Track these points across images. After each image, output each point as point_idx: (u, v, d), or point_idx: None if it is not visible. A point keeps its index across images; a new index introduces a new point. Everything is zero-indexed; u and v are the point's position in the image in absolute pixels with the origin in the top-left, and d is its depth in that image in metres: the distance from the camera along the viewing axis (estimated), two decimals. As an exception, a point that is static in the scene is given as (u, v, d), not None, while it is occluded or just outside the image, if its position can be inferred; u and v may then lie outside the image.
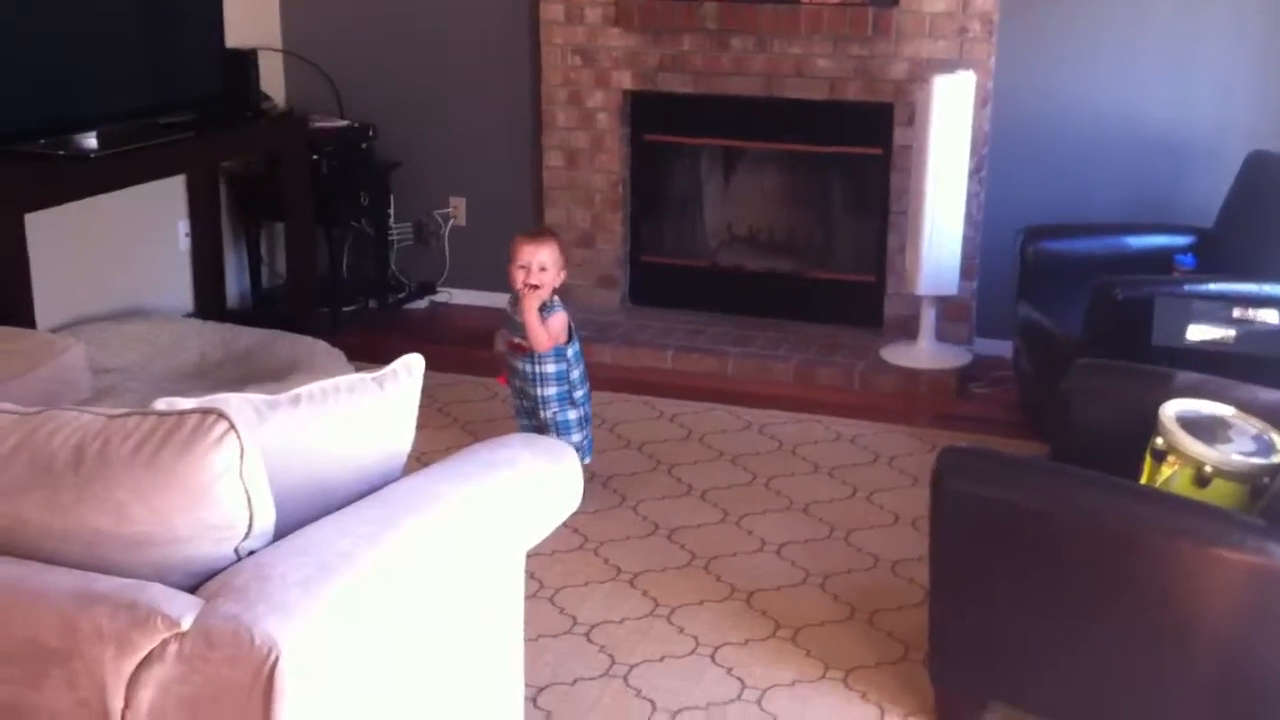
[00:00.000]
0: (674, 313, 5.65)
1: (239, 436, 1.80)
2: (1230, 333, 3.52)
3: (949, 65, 4.99)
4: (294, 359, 4.80)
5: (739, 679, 3.08)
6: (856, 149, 5.38)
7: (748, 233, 5.74)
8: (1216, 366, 3.37)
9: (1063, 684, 2.72)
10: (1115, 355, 3.63)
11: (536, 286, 3.76)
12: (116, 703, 1.74)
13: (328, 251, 5.71)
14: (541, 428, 3.87)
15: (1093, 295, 4.05)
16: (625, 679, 3.06)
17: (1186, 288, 3.96)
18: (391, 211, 5.94)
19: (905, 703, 2.98)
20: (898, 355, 5.13)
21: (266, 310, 5.72)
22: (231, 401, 2.03)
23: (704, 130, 5.55)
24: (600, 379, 4.88)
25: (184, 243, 5.52)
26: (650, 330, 5.45)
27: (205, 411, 1.81)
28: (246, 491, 1.83)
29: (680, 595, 3.46)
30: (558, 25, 5.51)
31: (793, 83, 5.26)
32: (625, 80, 5.48)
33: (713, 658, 3.18)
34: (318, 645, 1.75)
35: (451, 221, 5.99)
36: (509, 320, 3.89)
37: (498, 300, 5.85)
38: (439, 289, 6.04)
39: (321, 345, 4.92)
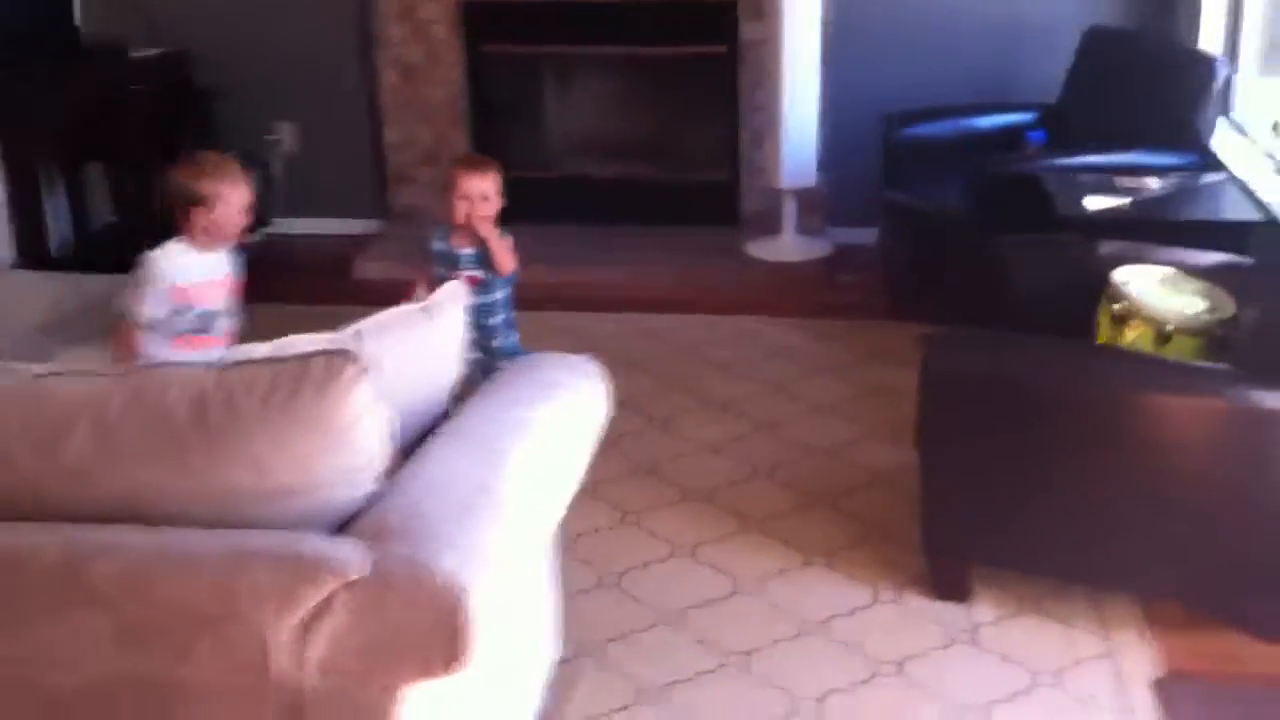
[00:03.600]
0: (527, 227, 5.48)
1: (369, 376, 1.72)
2: (1124, 201, 3.73)
3: (791, -41, 5.05)
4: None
5: (728, 574, 3.13)
6: (701, 47, 5.39)
7: (596, 140, 5.72)
8: (1107, 235, 3.57)
9: (1051, 542, 2.88)
10: (998, 230, 3.82)
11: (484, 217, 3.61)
12: (280, 663, 1.66)
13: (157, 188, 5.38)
14: (490, 358, 3.77)
15: (974, 175, 4.22)
16: (619, 587, 3.08)
17: (1065, 161, 4.17)
18: (219, 144, 5.64)
19: (893, 578, 3.10)
20: (762, 250, 5.23)
21: (94, 257, 5.36)
22: (319, 343, 1.95)
23: (545, 37, 5.46)
24: None
25: (-1, 190, 5.11)
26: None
27: (332, 353, 1.72)
28: (380, 431, 1.76)
29: (640, 501, 3.48)
30: (382, -68, 5.31)
31: (636, -16, 5.23)
32: (461, -11, 5.34)
33: (694, 557, 3.22)
34: (484, 579, 1.70)
35: (282, 149, 5.73)
36: (444, 256, 3.66)
37: (339, 227, 5.71)
38: (273, 220, 5.79)
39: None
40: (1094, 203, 3.70)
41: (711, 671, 2.76)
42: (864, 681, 2.75)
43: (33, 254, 5.15)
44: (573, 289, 5.07)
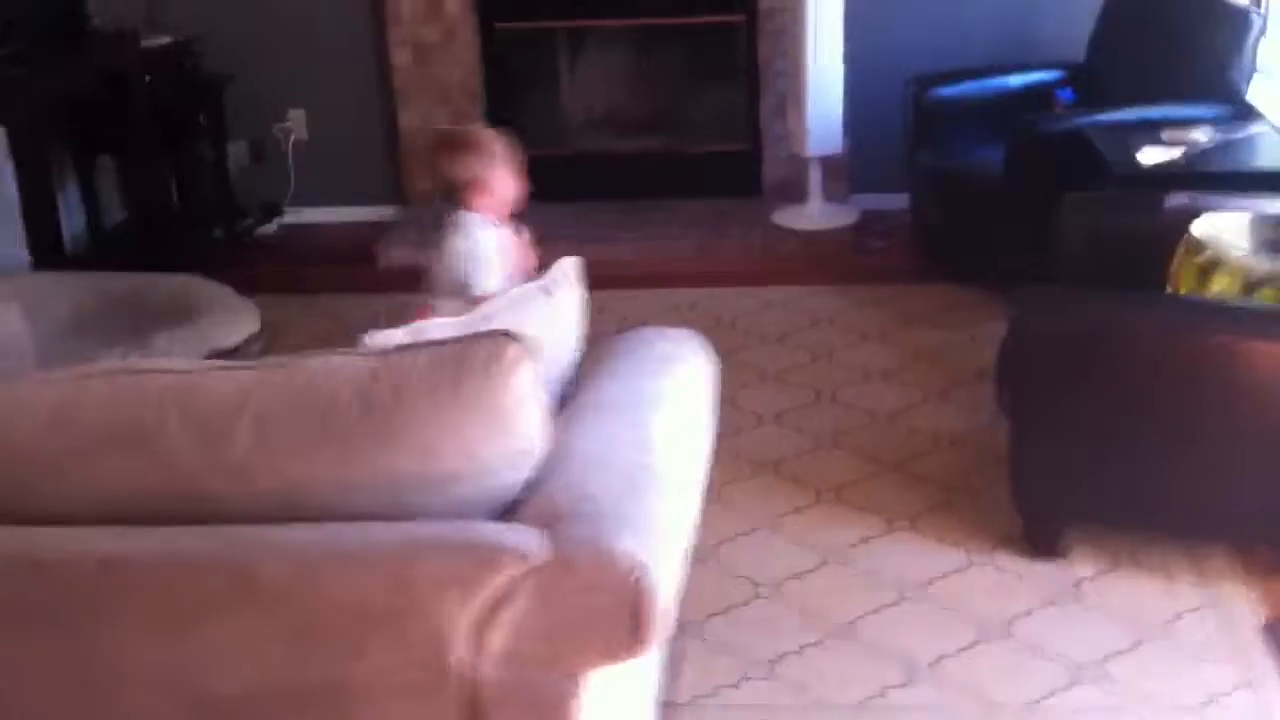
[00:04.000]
0: (548, 206, 5.45)
1: (531, 357, 1.67)
2: (1176, 154, 3.71)
3: (809, -76, 5.00)
4: (185, 300, 4.46)
5: (814, 545, 3.11)
6: (718, 17, 5.34)
7: (614, 115, 5.66)
8: (1164, 188, 3.55)
9: (1145, 494, 2.87)
10: (1044, 188, 3.81)
11: None
12: (459, 656, 1.61)
13: (170, 181, 5.30)
14: None
15: (1015, 134, 4.20)
16: (713, 561, 3.04)
17: (1105, 117, 4.14)
18: (230, 133, 5.55)
19: (982, 539, 3.08)
20: (789, 219, 5.18)
21: (110, 254, 5.27)
22: (448, 327, 1.90)
23: (559, 12, 5.39)
24: None
25: (11, 187, 5.00)
26: (533, 226, 5.31)
27: (493, 336, 1.67)
28: (542, 413, 1.71)
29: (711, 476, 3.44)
30: (395, -91, 5.22)
31: (654, -43, 5.16)
32: (476, -35, 5.25)
33: (777, 529, 3.19)
34: (662, 556, 1.67)
35: (293, 136, 5.64)
36: None
37: (352, 215, 5.63)
38: (286, 209, 5.70)
39: (204, 282, 4.60)
40: (1148, 156, 3.68)
41: (818, 643, 2.74)
42: (975, 644, 2.73)
43: (47, 253, 5.06)
44: (598, 266, 4.91)
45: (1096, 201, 3.42)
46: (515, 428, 1.67)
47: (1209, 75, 4.25)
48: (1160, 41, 4.46)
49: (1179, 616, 2.77)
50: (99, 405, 1.65)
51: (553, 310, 2.10)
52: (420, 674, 1.63)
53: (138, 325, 4.27)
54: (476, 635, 1.61)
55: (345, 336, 4.32)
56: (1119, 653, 2.67)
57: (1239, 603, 2.80)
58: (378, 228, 5.54)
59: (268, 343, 4.36)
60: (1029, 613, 2.82)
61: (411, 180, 5.54)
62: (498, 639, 1.61)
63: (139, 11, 5.30)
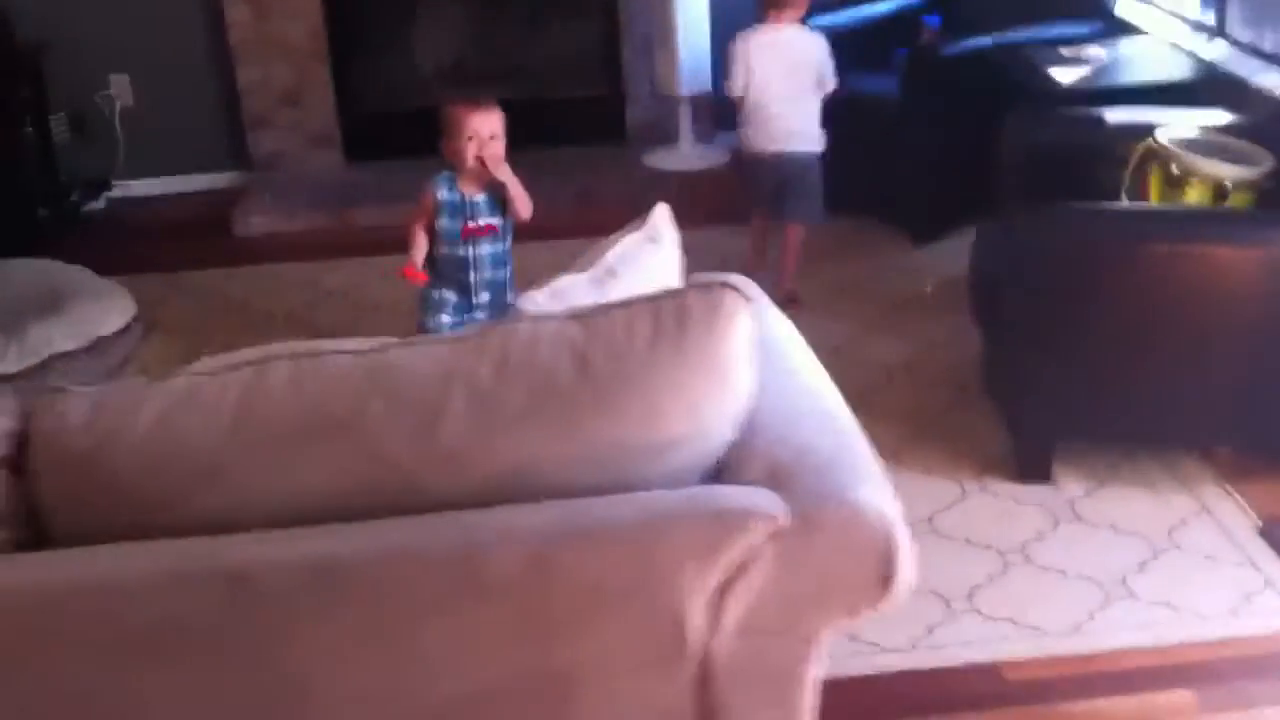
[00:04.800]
0: (403, 162, 5.24)
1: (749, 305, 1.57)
2: (1085, 71, 3.80)
3: None
4: (44, 287, 4.08)
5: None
6: (571, -43, 5.20)
7: (468, 65, 5.45)
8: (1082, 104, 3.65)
9: (1124, 409, 2.94)
10: (941, 114, 3.88)
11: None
12: (695, 630, 1.51)
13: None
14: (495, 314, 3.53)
15: (912, 60, 4.23)
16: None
17: (993, 39, 4.22)
18: (50, 104, 5.09)
19: (968, 467, 3.11)
20: (662, 161, 5.12)
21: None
22: (581, 284, 1.77)
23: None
24: (368, 247, 4.56)
25: None
26: (396, 184, 5.07)
27: (708, 285, 1.56)
28: (754, 366, 1.61)
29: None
30: None
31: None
32: (311, -94, 4.95)
33: (768, 472, 3.14)
34: (898, 507, 1.59)
35: (118, 103, 5.21)
36: (454, 206, 3.36)
37: (188, 184, 5.26)
38: (114, 183, 5.28)
39: (58, 266, 4.22)
40: (1062, 75, 3.76)
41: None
42: (1000, 572, 2.75)
43: None
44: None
45: (1035, 120, 3.46)
46: (735, 383, 1.56)
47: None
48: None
49: (1179, 526, 2.86)
50: (286, 396, 1.46)
51: (662, 259, 1.98)
52: (655, 650, 1.52)
53: (6, 317, 3.89)
54: (713, 608, 1.50)
55: (221, 315, 4.14)
56: (1139, 567, 2.74)
57: (1228, 508, 2.91)
58: (223, 196, 5.21)
59: (148, 326, 4.04)
60: (1039, 536, 2.86)
61: (254, 144, 5.21)
62: (735, 610, 1.51)
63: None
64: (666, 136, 5.19)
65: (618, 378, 1.50)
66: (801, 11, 4.03)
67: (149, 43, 5.12)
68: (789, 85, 3.92)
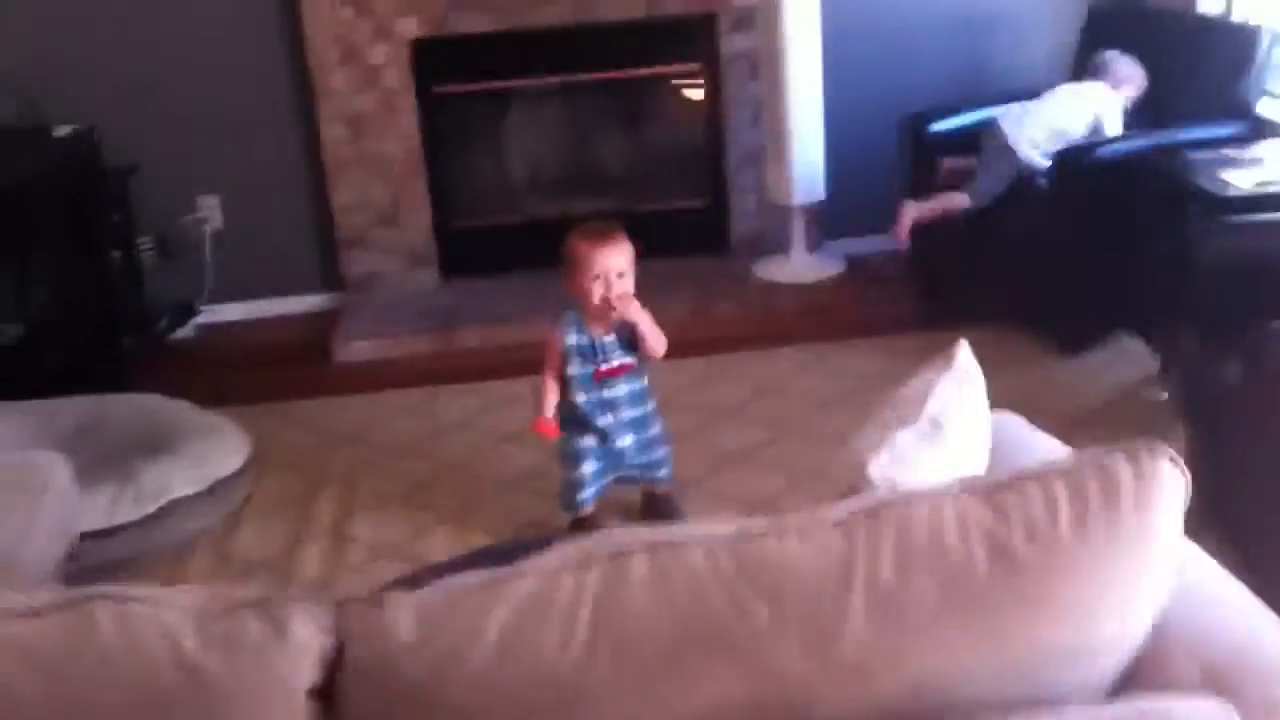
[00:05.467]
0: (500, 280, 5.08)
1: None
2: (1258, 173, 3.60)
3: (769, -36, 4.76)
4: (151, 423, 3.87)
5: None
6: (674, 66, 5.05)
7: (567, 177, 5.27)
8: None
9: None
10: (1085, 215, 3.70)
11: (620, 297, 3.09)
12: None
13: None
14: (647, 465, 3.30)
15: (1062, 165, 4.03)
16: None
17: (1138, 143, 4.03)
18: (138, 228, 4.91)
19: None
20: (773, 273, 4.91)
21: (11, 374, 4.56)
22: (910, 441, 1.53)
23: (501, 71, 4.98)
24: (477, 371, 4.35)
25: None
26: (497, 302, 4.88)
27: (1138, 453, 1.31)
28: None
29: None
30: (318, -27, 4.72)
31: (605, 4, 4.82)
32: (411, 27, 4.79)
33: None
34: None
35: (208, 226, 5.03)
36: (584, 350, 3.15)
37: (276, 308, 5.07)
38: (200, 308, 5.08)
39: (162, 400, 4.01)
40: (1237, 179, 3.55)
41: None
42: None
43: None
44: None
45: (1221, 228, 3.24)
46: (1164, 565, 1.31)
47: (1216, 95, 4.20)
48: (1154, 63, 4.37)
49: None
50: (650, 602, 1.22)
51: (975, 404, 1.74)
52: None
53: (106, 459, 3.65)
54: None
55: (334, 448, 3.91)
56: None
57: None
58: (316, 319, 5.01)
59: (259, 462, 3.81)
60: None
61: (348, 264, 5.02)
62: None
63: (14, 100, 4.63)
64: (773, 247, 5.00)
65: (1043, 567, 1.25)
66: None
67: (239, 163, 4.95)
68: None
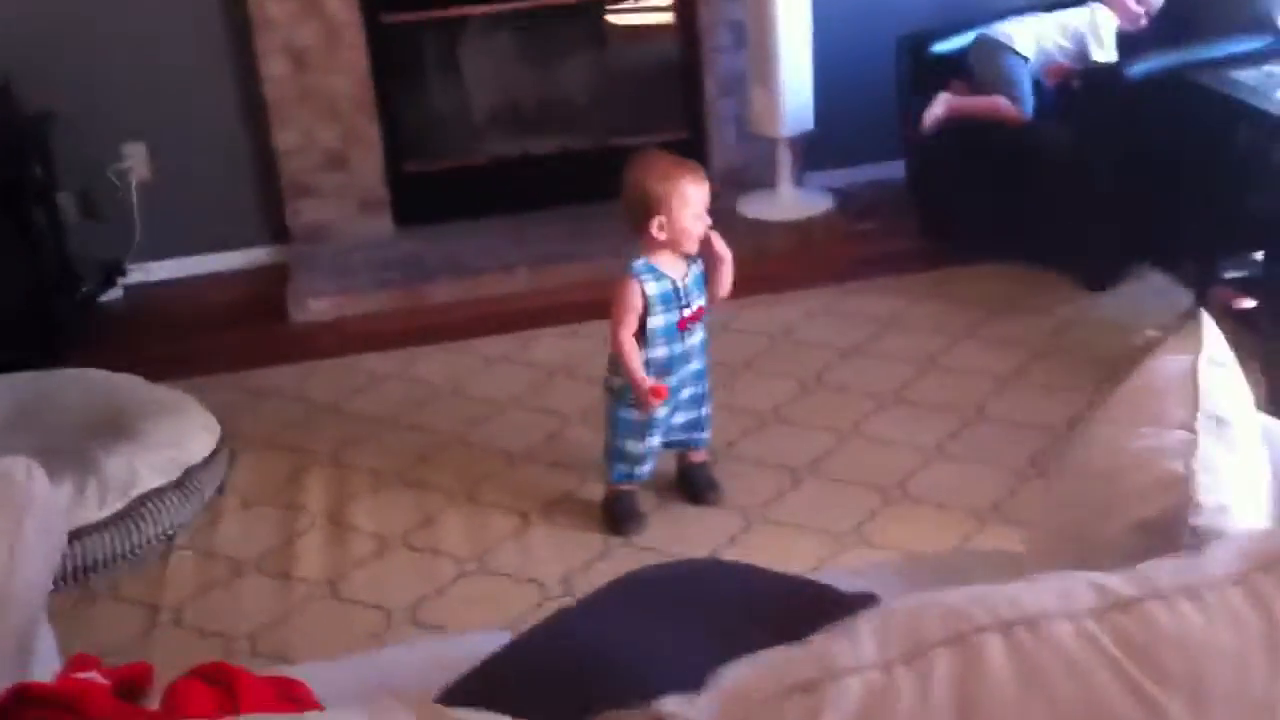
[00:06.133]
0: (461, 226, 4.68)
1: None
2: None
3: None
4: (103, 403, 3.46)
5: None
6: (644, -11, 4.66)
7: (532, 112, 4.86)
8: None
9: None
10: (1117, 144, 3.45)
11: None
12: None
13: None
14: (694, 424, 2.98)
15: (1090, 86, 3.76)
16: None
17: (1166, 60, 3.76)
18: (59, 180, 4.40)
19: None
20: (764, 211, 4.58)
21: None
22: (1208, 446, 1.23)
23: (457, -3, 4.55)
24: (455, 329, 3.99)
25: None
26: (462, 254, 4.48)
27: None
28: None
29: (935, 538, 2.83)
30: (252, -109, 4.22)
31: (571, -81, 4.41)
32: (357, -51, 4.33)
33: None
34: None
35: (134, 177, 4.54)
36: (666, 294, 2.79)
37: (215, 264, 4.63)
38: (129, 267, 4.59)
39: (109, 376, 3.60)
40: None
41: None
42: None
43: None
44: (559, 295, 4.24)
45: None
46: None
47: (1238, 7, 3.95)
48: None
49: None
50: (1018, 698, 0.91)
51: (1237, 387, 1.44)
52: None
53: (57, 448, 3.21)
54: None
55: (312, 424, 3.50)
56: None
57: None
58: (255, 276, 4.58)
59: (231, 450, 3.41)
60: None
61: (294, 213, 4.57)
62: None
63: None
64: (757, 182, 4.66)
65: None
66: None
67: (168, 106, 4.46)
68: None
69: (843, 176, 4.80)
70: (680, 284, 2.78)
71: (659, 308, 2.76)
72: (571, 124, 4.83)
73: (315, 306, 4.22)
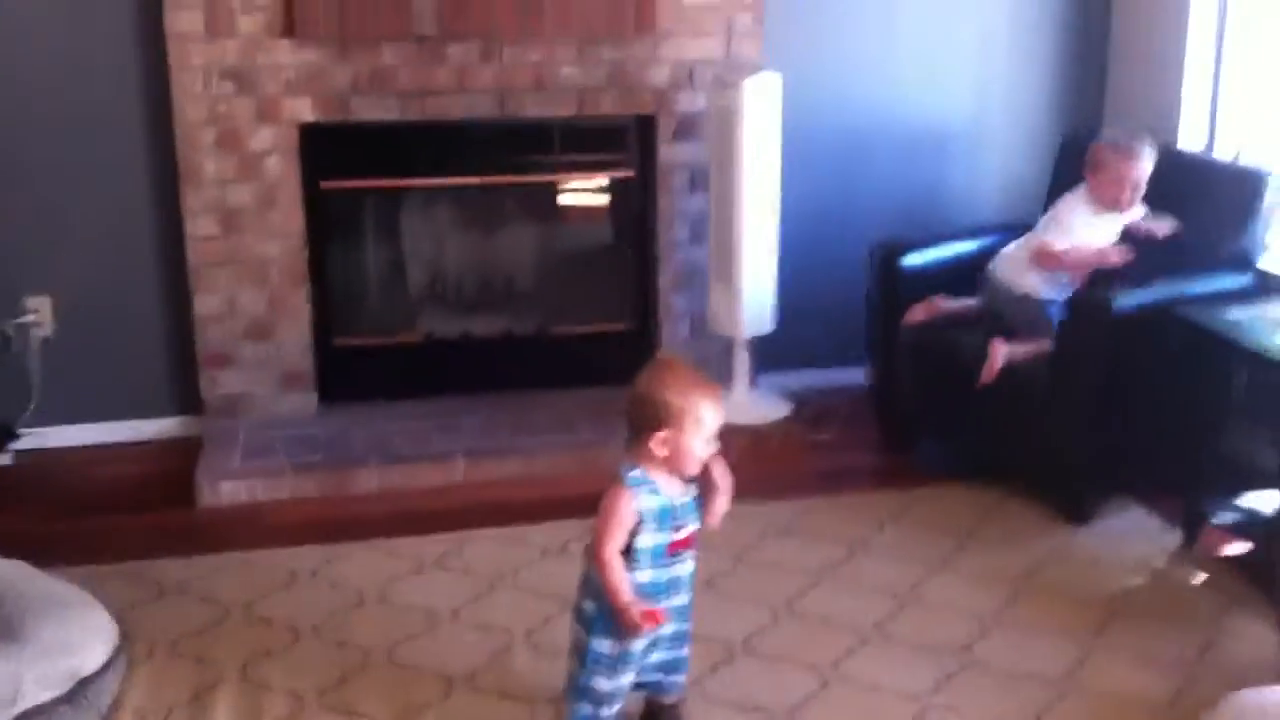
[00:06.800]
0: (390, 408, 4.36)
1: None
2: None
3: (718, 67, 4.25)
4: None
5: None
6: (600, 174, 4.47)
7: (474, 292, 4.57)
8: None
9: None
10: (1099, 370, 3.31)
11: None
12: None
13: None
14: (668, 665, 2.65)
15: (1078, 314, 3.59)
16: None
17: (1164, 292, 3.63)
18: (-49, 331, 4.00)
19: None
20: (716, 412, 4.31)
21: None
22: None
23: (403, 168, 4.30)
24: (382, 524, 3.64)
25: None
26: (391, 438, 4.14)
27: None
28: None
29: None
30: (196, 40, 3.95)
31: (533, 98, 4.20)
32: (303, 110, 4.07)
33: None
34: None
35: (36, 332, 4.14)
36: (661, 512, 2.47)
37: (119, 433, 4.26)
38: (22, 431, 4.17)
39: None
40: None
41: None
42: None
43: None
44: (508, 488, 3.93)
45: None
46: None
47: (1216, 245, 3.85)
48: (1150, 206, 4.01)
49: None
50: None
51: None
52: None
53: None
54: None
55: (220, 628, 3.07)
56: None
57: None
58: (163, 450, 4.18)
59: (129, 658, 2.98)
60: None
61: (210, 384, 4.20)
62: None
63: None
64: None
65: None
66: None
67: (80, 258, 4.13)
68: None
69: (796, 379, 4.59)
70: (677, 503, 2.48)
71: (651, 525, 2.46)
72: (514, 306, 4.57)
73: (227, 489, 3.83)
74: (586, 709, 2.58)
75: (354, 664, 3.00)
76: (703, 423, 2.42)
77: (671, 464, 2.44)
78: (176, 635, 3.12)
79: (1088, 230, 3.80)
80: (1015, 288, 3.82)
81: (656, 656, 2.60)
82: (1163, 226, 3.85)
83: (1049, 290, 3.77)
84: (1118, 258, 3.76)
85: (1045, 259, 3.77)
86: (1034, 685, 2.91)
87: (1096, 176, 3.81)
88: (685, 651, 2.66)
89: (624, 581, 2.43)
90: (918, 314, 3.93)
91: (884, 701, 2.85)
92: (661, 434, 2.41)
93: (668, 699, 2.71)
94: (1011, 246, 3.94)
